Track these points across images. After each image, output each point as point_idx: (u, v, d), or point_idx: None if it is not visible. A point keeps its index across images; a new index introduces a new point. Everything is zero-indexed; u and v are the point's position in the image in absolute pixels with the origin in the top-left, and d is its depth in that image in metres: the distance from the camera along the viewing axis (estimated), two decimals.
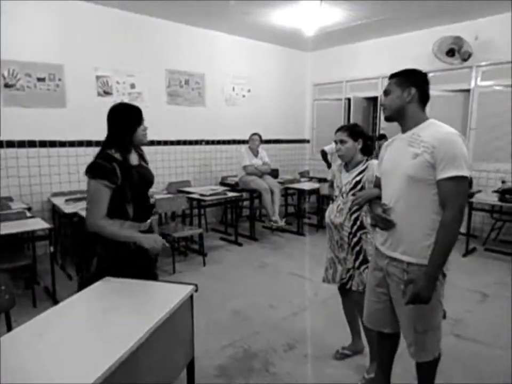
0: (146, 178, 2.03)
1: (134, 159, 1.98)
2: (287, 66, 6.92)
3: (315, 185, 5.75)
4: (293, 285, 3.71)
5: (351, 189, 2.23)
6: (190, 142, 5.72)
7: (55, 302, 3.05)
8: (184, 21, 5.32)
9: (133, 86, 5.03)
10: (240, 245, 4.93)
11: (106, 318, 1.57)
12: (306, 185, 5.74)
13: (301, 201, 5.71)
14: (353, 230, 2.23)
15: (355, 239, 2.23)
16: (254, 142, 5.36)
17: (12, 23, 4.02)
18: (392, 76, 1.77)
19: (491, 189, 4.82)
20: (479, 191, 5.02)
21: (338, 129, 2.33)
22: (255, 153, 5.37)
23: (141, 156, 2.06)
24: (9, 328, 1.83)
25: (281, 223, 5.04)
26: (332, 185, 2.42)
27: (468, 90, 5.29)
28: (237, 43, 6.10)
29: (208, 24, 5.49)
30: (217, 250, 4.75)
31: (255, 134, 5.40)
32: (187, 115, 5.58)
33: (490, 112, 5.12)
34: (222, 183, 5.93)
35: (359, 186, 2.21)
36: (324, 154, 5.63)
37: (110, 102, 4.77)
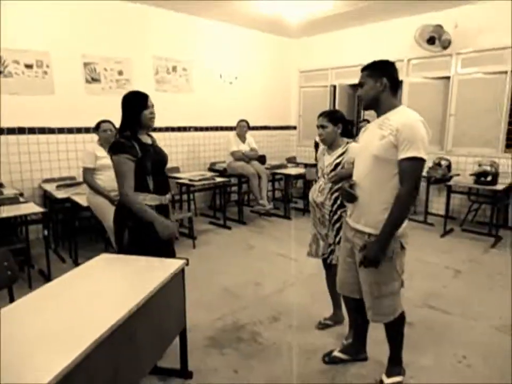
0: (162, 155, 2.27)
1: (147, 139, 2.21)
2: (273, 54, 7.00)
3: (301, 170, 5.92)
4: (278, 264, 3.89)
5: (331, 171, 2.38)
6: (179, 129, 5.81)
7: None
8: (171, 7, 5.34)
9: (120, 72, 5.07)
10: (229, 228, 5.09)
11: (104, 288, 1.71)
12: (293, 171, 5.90)
13: (287, 186, 5.87)
14: (333, 208, 2.39)
15: (335, 217, 2.40)
16: (242, 128, 5.47)
17: None
18: (364, 69, 1.93)
19: (469, 172, 5.05)
20: (457, 175, 5.25)
21: (320, 115, 2.48)
22: (243, 140, 5.50)
23: (152, 140, 2.29)
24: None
25: (269, 206, 5.21)
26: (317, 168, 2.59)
27: (448, 78, 5.46)
28: (224, 30, 6.14)
29: (195, 11, 5.52)
30: (206, 234, 4.90)
31: (242, 120, 5.51)
32: (175, 102, 5.65)
33: (469, 98, 5.30)
34: (211, 169, 6.04)
35: (339, 168, 2.37)
36: (316, 144, 5.77)
37: (98, 88, 4.89)
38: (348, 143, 2.43)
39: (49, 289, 1.68)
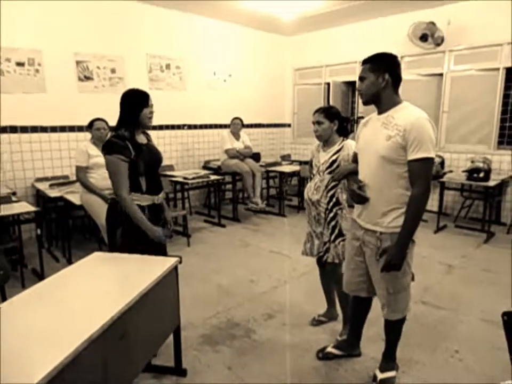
0: (156, 155, 2.25)
1: (142, 139, 2.19)
2: (267, 51, 6.99)
3: (296, 167, 5.93)
4: (273, 262, 3.89)
5: (327, 168, 2.38)
6: (173, 127, 5.79)
7: None
8: (164, 5, 5.31)
9: (113, 71, 5.03)
10: (223, 226, 5.09)
11: (96, 287, 1.71)
12: (287, 168, 5.90)
13: (282, 184, 5.88)
14: (329, 206, 2.39)
15: (331, 215, 2.40)
16: (236, 126, 5.47)
17: None
18: (365, 62, 1.87)
19: (462, 169, 5.08)
20: (451, 171, 5.29)
21: (316, 111, 2.46)
22: (237, 137, 5.50)
23: (148, 139, 2.26)
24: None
25: (262, 205, 5.22)
26: (311, 165, 2.58)
27: (441, 75, 5.49)
28: (218, 28, 6.12)
29: (188, 8, 5.50)
30: (201, 232, 4.89)
31: (236, 118, 5.51)
32: (169, 100, 5.63)
33: (462, 95, 5.33)
34: (205, 167, 6.03)
35: (335, 165, 2.36)
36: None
37: (90, 86, 4.86)
38: (343, 140, 2.43)
39: (41, 287, 1.67)
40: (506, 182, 4.93)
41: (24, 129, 4.40)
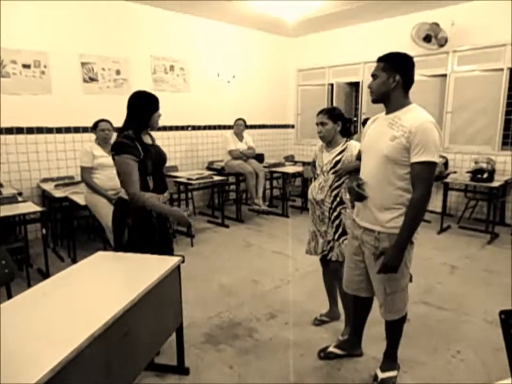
0: (162, 155, 2.30)
1: (148, 139, 2.23)
2: (271, 52, 7.01)
3: (299, 168, 5.94)
4: (276, 262, 3.91)
5: (331, 168, 2.40)
6: (176, 128, 5.82)
7: None
8: (168, 7, 5.35)
9: (118, 72, 5.08)
10: (227, 226, 5.11)
11: (99, 285, 1.74)
12: (290, 169, 5.92)
13: (285, 184, 5.89)
14: (333, 206, 2.41)
15: (335, 214, 2.42)
16: (239, 127, 5.50)
17: None
18: (380, 60, 1.88)
19: (466, 170, 5.07)
20: (454, 172, 5.27)
21: (319, 112, 2.49)
22: (240, 138, 5.52)
23: (152, 139, 2.31)
24: None
25: (263, 206, 5.24)
26: (314, 165, 2.60)
27: (444, 75, 5.48)
28: (221, 29, 6.16)
29: (192, 10, 5.53)
30: (204, 232, 4.92)
31: (239, 119, 5.54)
32: (173, 101, 5.66)
33: (465, 96, 5.32)
34: (209, 168, 6.07)
35: (338, 166, 2.38)
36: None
37: (95, 88, 4.90)
38: (347, 141, 2.45)
39: (45, 286, 1.70)
40: (510, 183, 4.91)
41: (30, 130, 4.45)
